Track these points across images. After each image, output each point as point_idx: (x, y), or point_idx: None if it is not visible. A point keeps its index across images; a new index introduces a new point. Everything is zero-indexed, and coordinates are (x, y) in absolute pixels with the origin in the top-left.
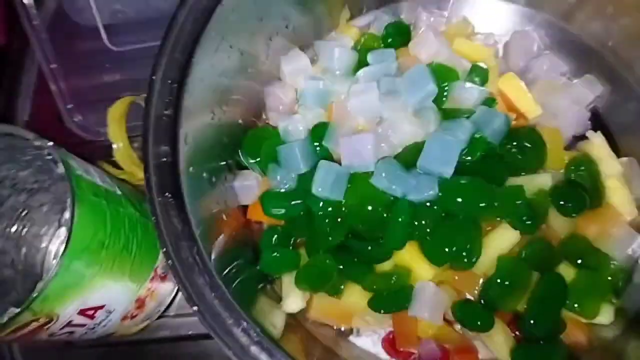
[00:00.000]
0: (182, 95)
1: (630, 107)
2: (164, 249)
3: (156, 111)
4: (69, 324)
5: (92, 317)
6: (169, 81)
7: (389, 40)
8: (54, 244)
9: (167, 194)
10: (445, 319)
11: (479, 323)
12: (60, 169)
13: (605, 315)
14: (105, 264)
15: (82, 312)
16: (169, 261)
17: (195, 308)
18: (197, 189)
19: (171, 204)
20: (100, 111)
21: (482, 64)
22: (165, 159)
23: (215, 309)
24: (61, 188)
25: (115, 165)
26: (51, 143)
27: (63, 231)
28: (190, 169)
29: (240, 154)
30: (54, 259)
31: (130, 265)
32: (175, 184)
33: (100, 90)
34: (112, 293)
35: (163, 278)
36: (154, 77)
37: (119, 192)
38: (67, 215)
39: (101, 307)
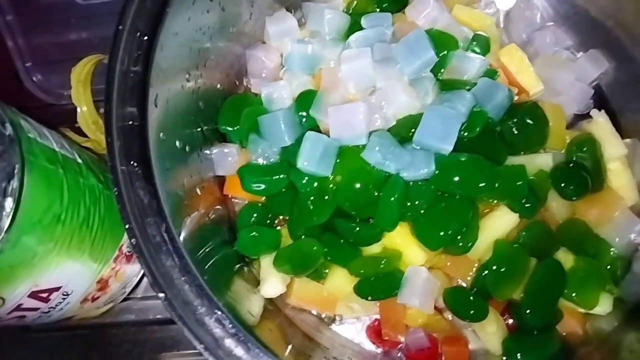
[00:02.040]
0: (153, 50)
1: (636, 85)
2: (128, 225)
3: (122, 66)
4: (18, 307)
5: (46, 300)
6: (138, 33)
7: (385, 4)
8: (2, 215)
9: (132, 162)
10: (435, 307)
11: (471, 312)
12: (9, 130)
13: (604, 306)
14: (61, 240)
15: (33, 295)
16: (133, 240)
17: (161, 295)
18: (168, 157)
19: (137, 173)
20: (63, 71)
21: (482, 33)
22: (131, 122)
23: (186, 295)
24: (6, 153)
25: (79, 132)
26: None
27: (8, 202)
28: (161, 134)
29: (218, 122)
30: None
31: (91, 243)
32: (143, 150)
33: (64, 48)
34: (69, 273)
35: (129, 257)
36: (120, 27)
37: (79, 161)
38: (14, 183)
39: (57, 289)
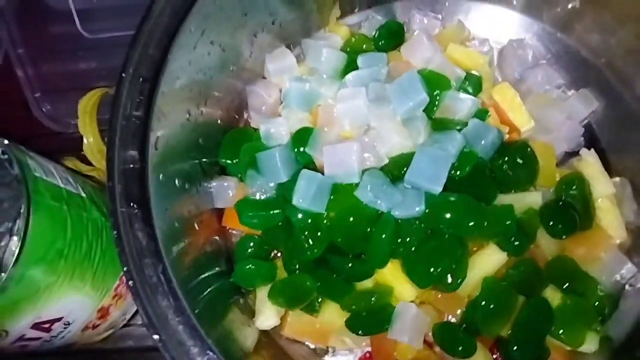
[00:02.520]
0: (154, 95)
1: (625, 124)
2: (125, 268)
3: (125, 111)
4: (21, 338)
5: (47, 330)
6: (141, 79)
7: (381, 42)
8: (2, 255)
9: (132, 204)
10: (425, 341)
11: (460, 348)
12: (16, 170)
13: (590, 344)
14: (64, 274)
15: (36, 326)
16: (130, 281)
17: (156, 337)
18: (168, 197)
19: (136, 215)
20: (71, 101)
21: (475, 72)
22: (132, 165)
23: (180, 336)
24: (13, 193)
25: (85, 161)
26: (6, 141)
27: (14, 241)
28: (161, 176)
29: (218, 155)
30: (2, 271)
31: (93, 274)
32: (142, 193)
33: (72, 79)
34: (71, 304)
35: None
36: (123, 75)
37: (83, 195)
38: (20, 223)
39: (58, 319)
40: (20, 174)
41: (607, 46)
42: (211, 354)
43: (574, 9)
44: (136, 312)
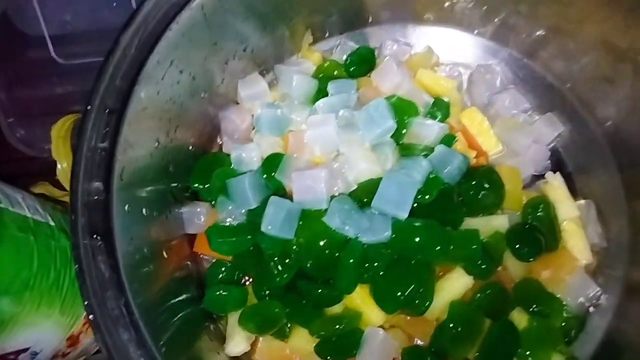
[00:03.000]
0: (121, 126)
1: (589, 148)
2: (86, 302)
3: (89, 144)
4: None
5: None
6: (107, 110)
7: (352, 68)
8: None
9: (95, 236)
10: None
11: None
12: None
13: None
14: (30, 304)
15: (1, 358)
16: (91, 315)
17: None
18: (134, 226)
19: (99, 247)
20: (45, 126)
21: (444, 97)
22: (96, 197)
23: None
24: None
25: (59, 185)
26: None
27: None
28: (127, 206)
29: (190, 181)
30: None
31: (61, 302)
32: (106, 224)
33: (45, 104)
34: (38, 333)
35: None
36: (89, 107)
37: (52, 223)
38: None
39: (24, 350)
40: None
41: (571, 73)
42: None
43: (540, 37)
44: None
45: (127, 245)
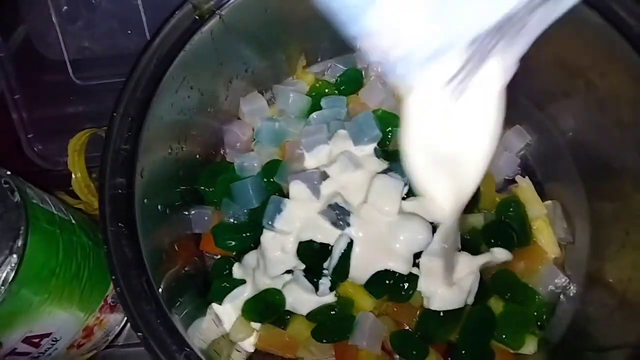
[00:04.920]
0: (140, 131)
1: (554, 156)
2: (114, 277)
3: (115, 145)
4: (13, 352)
5: (37, 345)
6: (129, 118)
7: (342, 87)
8: (2, 271)
9: (120, 224)
10: (385, 350)
11: (414, 352)
12: (17, 197)
13: (530, 346)
14: (55, 292)
15: (27, 340)
16: (118, 288)
17: (140, 334)
18: (151, 219)
19: (123, 233)
20: (60, 141)
21: None
22: (120, 191)
23: (161, 335)
24: (14, 216)
25: (73, 195)
26: (8, 172)
27: (13, 259)
28: (145, 200)
29: (197, 184)
30: (1, 286)
31: (80, 294)
32: (129, 214)
33: (62, 122)
34: (59, 321)
35: (113, 307)
36: (114, 114)
37: (73, 222)
38: (19, 243)
39: (47, 335)
40: (20, 201)
41: (534, 89)
42: (188, 350)
43: None
44: (118, 334)
45: (147, 234)
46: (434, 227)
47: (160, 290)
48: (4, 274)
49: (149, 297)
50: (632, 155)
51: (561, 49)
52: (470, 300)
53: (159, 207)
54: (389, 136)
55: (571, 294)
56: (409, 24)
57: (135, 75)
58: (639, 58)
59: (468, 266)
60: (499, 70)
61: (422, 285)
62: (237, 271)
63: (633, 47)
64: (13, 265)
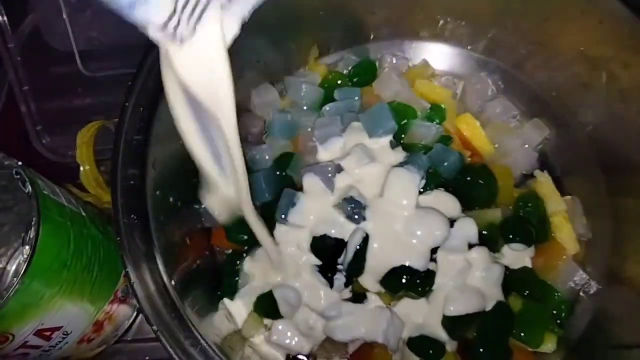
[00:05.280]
0: (152, 122)
1: (573, 150)
2: (126, 269)
3: (127, 136)
4: (24, 344)
5: (48, 338)
6: (141, 108)
7: (355, 79)
8: (13, 264)
9: (132, 215)
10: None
11: (430, 352)
12: (28, 188)
13: (549, 344)
14: (66, 284)
15: (38, 333)
16: (131, 281)
17: (154, 328)
18: (163, 211)
19: (136, 225)
20: (69, 134)
21: (440, 104)
22: (132, 182)
23: (174, 329)
24: (25, 208)
25: (81, 188)
26: (20, 162)
27: (26, 250)
28: (157, 192)
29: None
30: (14, 277)
31: (91, 287)
32: (142, 206)
33: (70, 113)
34: (70, 315)
35: (123, 301)
36: (126, 104)
37: (83, 214)
38: (31, 234)
39: (58, 328)
40: (32, 191)
41: (553, 81)
42: (204, 343)
43: (524, 50)
44: (128, 329)
45: (159, 227)
46: (451, 222)
47: (172, 283)
48: (17, 266)
49: (162, 291)
50: None
51: (582, 39)
52: (490, 306)
53: (171, 199)
54: (407, 128)
55: (591, 291)
56: None
57: (146, 64)
58: None
59: (486, 266)
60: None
61: (438, 282)
62: (248, 266)
63: None
64: (25, 256)
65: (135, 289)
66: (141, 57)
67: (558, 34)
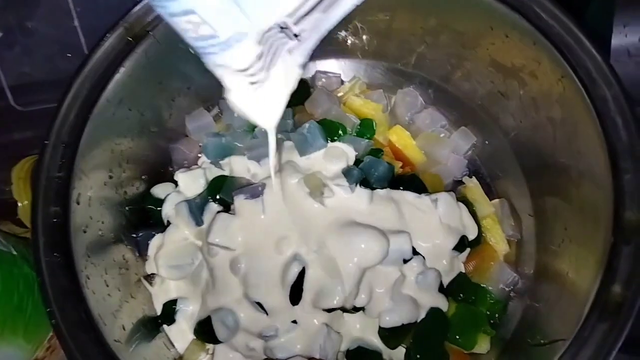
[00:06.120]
0: (75, 157)
1: (499, 155)
2: (49, 309)
3: (48, 173)
4: None
5: None
6: (63, 144)
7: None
8: None
9: (55, 254)
10: None
11: None
12: None
13: (483, 345)
14: None
15: None
16: (53, 320)
17: None
18: (90, 246)
19: (59, 263)
20: (4, 169)
21: (371, 119)
22: (55, 220)
23: None
24: None
25: (19, 223)
26: None
27: None
28: (83, 227)
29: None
30: None
31: (25, 326)
32: (65, 243)
33: (5, 149)
34: (4, 353)
35: None
36: (46, 142)
37: (14, 253)
38: None
39: None
40: None
41: (477, 92)
42: None
43: (447, 63)
44: None
45: (85, 261)
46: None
47: (101, 318)
48: None
49: (88, 327)
50: (565, 151)
51: (494, 51)
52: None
53: (99, 232)
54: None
55: (521, 291)
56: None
57: (66, 100)
58: (561, 57)
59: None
60: (292, 63)
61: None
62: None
63: (554, 46)
64: None
65: (56, 327)
66: (62, 92)
67: (474, 47)
